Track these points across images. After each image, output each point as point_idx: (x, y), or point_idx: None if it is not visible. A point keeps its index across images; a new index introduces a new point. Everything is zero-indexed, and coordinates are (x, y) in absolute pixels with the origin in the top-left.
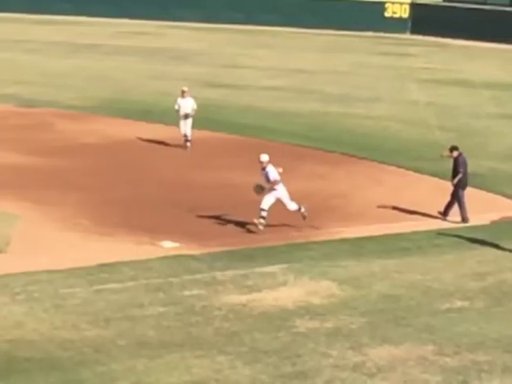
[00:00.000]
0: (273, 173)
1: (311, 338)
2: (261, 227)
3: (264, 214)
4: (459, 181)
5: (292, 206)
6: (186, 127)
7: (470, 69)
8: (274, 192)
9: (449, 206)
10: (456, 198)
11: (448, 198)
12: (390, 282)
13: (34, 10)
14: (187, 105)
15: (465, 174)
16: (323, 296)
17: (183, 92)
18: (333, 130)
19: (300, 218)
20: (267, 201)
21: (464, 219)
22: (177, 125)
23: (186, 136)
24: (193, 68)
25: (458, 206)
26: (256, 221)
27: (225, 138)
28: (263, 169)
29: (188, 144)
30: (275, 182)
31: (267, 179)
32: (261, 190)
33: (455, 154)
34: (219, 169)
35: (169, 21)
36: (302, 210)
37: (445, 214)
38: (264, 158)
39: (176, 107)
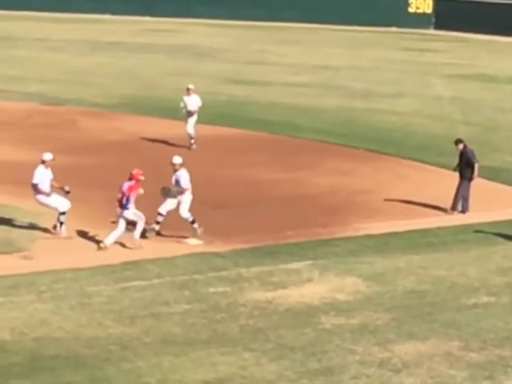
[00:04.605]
0: (185, 178)
1: (337, 335)
2: (153, 233)
3: (160, 219)
4: (466, 172)
5: (186, 214)
6: (189, 126)
7: (494, 64)
8: (179, 197)
9: (465, 201)
10: (458, 187)
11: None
12: (415, 278)
13: (57, 8)
14: (192, 102)
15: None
16: (348, 292)
17: (188, 90)
18: (357, 125)
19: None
20: (167, 206)
21: (454, 208)
22: (187, 123)
23: (191, 136)
24: (216, 65)
25: (455, 194)
26: (152, 226)
27: (249, 134)
28: (175, 171)
29: (192, 141)
30: (185, 189)
31: (177, 182)
32: (167, 193)
33: (461, 146)
34: (243, 165)
35: (191, 18)
36: (196, 226)
37: (464, 210)
38: (177, 160)
39: (182, 105)
